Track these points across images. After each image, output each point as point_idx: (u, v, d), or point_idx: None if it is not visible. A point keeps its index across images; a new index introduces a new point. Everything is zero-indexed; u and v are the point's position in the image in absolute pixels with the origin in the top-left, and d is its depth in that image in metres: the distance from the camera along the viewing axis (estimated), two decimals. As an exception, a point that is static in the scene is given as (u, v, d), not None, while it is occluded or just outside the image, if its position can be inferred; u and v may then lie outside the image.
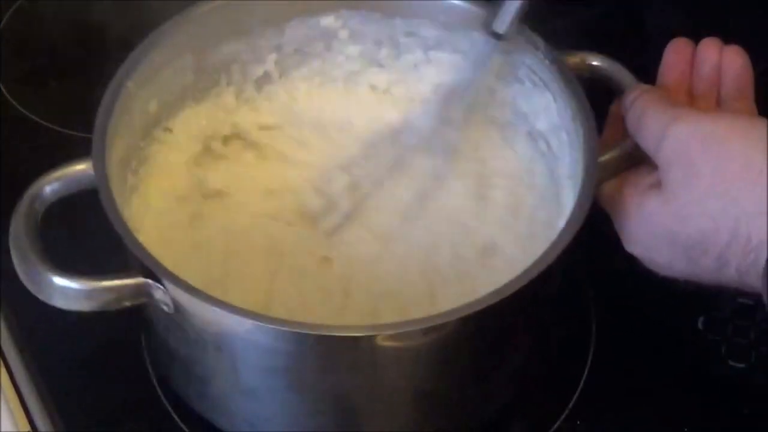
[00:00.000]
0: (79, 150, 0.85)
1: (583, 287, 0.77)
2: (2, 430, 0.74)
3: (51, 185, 0.64)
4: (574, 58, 0.71)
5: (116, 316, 0.75)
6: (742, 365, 0.74)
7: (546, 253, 0.60)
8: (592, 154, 0.65)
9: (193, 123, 0.76)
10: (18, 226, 0.63)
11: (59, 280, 0.61)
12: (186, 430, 0.71)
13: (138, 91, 0.69)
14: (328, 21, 0.77)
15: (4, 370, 0.76)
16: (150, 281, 0.60)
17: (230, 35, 0.75)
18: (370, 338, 0.59)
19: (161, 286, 0.60)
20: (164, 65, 0.72)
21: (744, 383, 0.74)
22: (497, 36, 0.71)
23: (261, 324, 0.58)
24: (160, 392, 0.72)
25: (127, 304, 0.61)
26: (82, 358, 0.74)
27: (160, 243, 0.62)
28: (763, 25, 0.93)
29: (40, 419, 0.73)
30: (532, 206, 0.74)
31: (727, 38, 0.69)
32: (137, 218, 0.64)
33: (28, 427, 0.74)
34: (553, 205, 0.73)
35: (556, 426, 0.71)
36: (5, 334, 0.76)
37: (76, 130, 0.86)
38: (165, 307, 0.61)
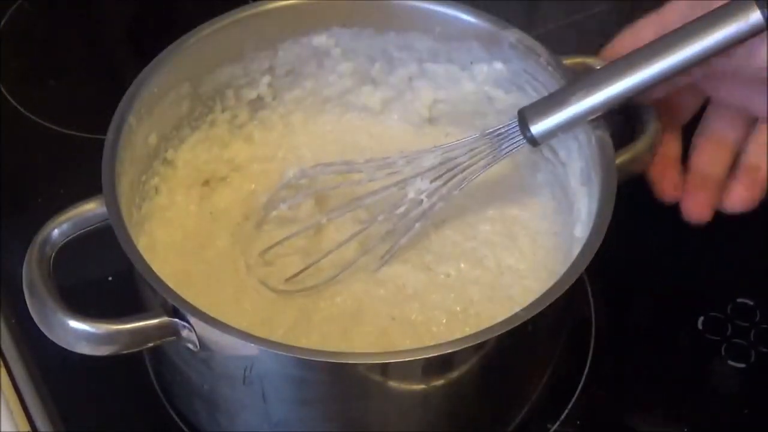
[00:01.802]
0: (79, 150, 0.86)
1: (583, 287, 0.77)
2: (2, 430, 0.74)
3: (60, 227, 0.63)
4: (575, 62, 0.70)
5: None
6: (742, 365, 0.74)
7: (574, 265, 0.60)
8: (608, 159, 0.64)
9: (190, 155, 0.75)
10: (31, 273, 0.61)
11: (80, 326, 0.59)
12: (185, 429, 0.71)
13: (138, 125, 0.69)
14: (320, 40, 0.76)
15: (4, 370, 0.76)
16: (176, 320, 0.59)
17: (225, 60, 0.74)
18: (412, 363, 0.58)
19: (187, 324, 0.59)
20: (162, 96, 0.71)
21: (744, 383, 0.74)
22: (530, 139, 0.67)
23: (301, 357, 0.57)
24: (159, 392, 0.72)
25: (151, 344, 0.60)
26: (82, 358, 0.73)
27: (171, 279, 0.61)
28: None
29: (40, 419, 0.73)
30: (536, 218, 0.74)
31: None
32: (147, 255, 0.63)
33: (28, 427, 0.74)
34: (560, 214, 0.72)
35: (556, 426, 0.71)
36: (5, 334, 0.76)
37: (75, 130, 0.87)
38: (190, 345, 0.60)
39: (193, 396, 0.68)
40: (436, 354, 0.58)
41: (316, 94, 0.79)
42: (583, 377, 0.73)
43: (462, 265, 0.73)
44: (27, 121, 0.88)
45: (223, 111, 0.77)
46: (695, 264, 0.79)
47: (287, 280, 0.71)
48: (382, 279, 0.72)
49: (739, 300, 0.77)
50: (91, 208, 0.64)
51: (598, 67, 0.69)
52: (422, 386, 0.62)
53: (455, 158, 0.70)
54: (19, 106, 0.89)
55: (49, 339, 0.74)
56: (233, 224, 0.75)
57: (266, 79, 0.77)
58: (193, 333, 0.59)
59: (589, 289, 0.77)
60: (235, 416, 0.66)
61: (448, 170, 0.70)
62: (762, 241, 0.80)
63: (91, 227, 0.64)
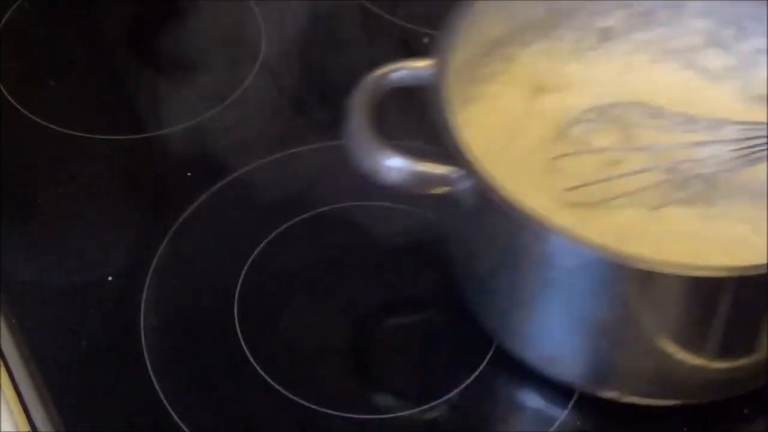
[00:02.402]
0: (79, 150, 0.86)
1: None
2: (2, 430, 0.74)
3: (396, 73, 0.67)
4: None
5: (117, 316, 0.76)
6: (742, 365, 0.74)
7: None
8: None
9: (531, 59, 0.78)
10: (358, 104, 0.66)
11: (386, 158, 0.65)
12: (186, 429, 0.71)
13: (485, 12, 0.72)
14: None
15: (4, 370, 0.76)
16: (458, 173, 0.63)
17: None
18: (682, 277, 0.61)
19: (468, 180, 0.63)
20: None
21: (744, 383, 0.74)
22: None
23: (583, 250, 0.60)
24: (159, 392, 0.72)
25: (431, 191, 0.65)
26: (81, 357, 0.74)
27: (480, 153, 0.64)
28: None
29: (40, 419, 0.73)
30: None
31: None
32: (462, 128, 0.66)
33: (28, 427, 0.74)
34: None
35: (555, 426, 0.71)
36: (5, 334, 0.76)
37: (75, 130, 0.86)
38: (466, 202, 0.64)
39: (471, 274, 0.71)
40: None
41: (664, 42, 0.80)
42: (584, 377, 0.73)
43: (742, 228, 0.72)
44: (27, 121, 0.88)
45: (572, 30, 0.79)
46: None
47: (567, 189, 0.72)
48: (658, 215, 0.72)
49: (739, 300, 0.77)
50: (425, 65, 0.68)
51: None
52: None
53: (755, 138, 0.70)
54: (19, 106, 0.89)
55: (49, 339, 0.75)
56: (545, 129, 0.76)
57: (620, 13, 0.79)
58: (471, 191, 0.63)
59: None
60: (487, 277, 0.69)
61: (744, 147, 0.70)
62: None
63: (419, 84, 0.67)
